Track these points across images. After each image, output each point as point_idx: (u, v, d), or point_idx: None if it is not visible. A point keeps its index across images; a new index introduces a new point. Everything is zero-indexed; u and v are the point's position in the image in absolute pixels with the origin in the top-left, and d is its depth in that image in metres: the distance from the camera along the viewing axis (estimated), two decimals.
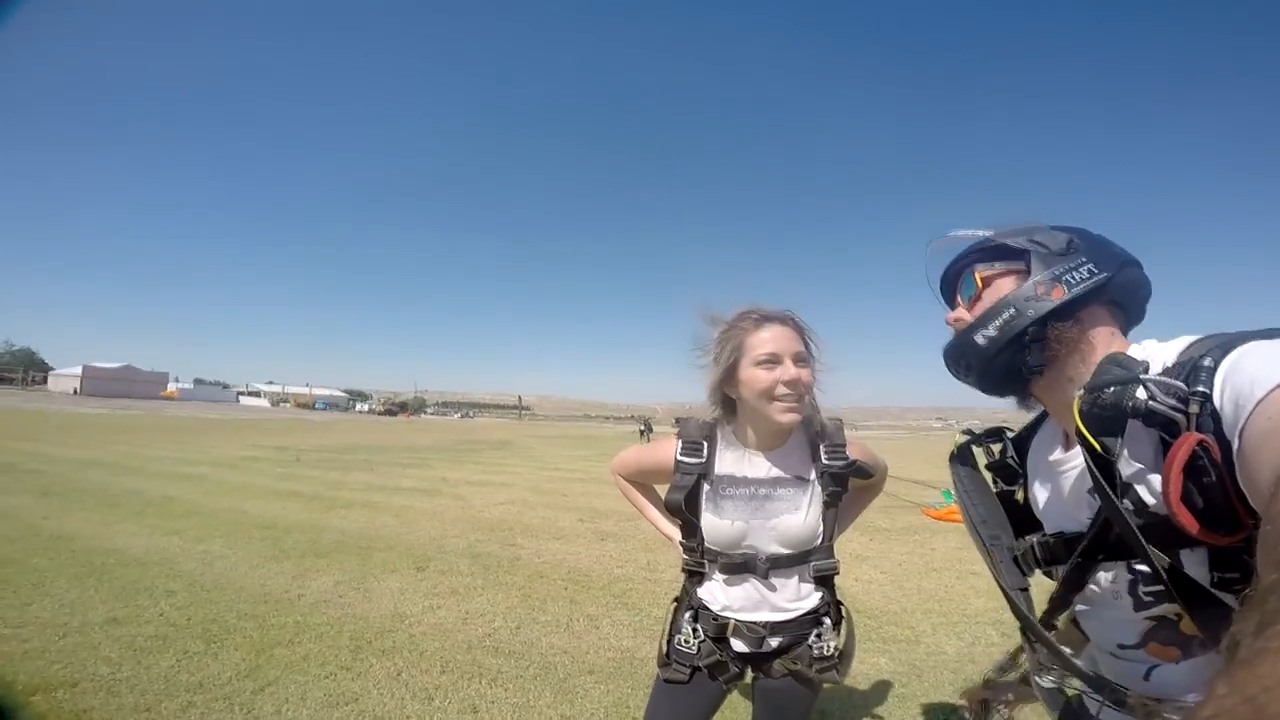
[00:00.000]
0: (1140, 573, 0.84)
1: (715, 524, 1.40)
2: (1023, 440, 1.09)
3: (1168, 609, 0.83)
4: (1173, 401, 0.73)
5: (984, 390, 0.99)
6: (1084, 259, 0.90)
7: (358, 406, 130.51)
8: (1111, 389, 0.79)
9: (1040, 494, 1.00)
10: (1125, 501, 0.78)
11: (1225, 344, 0.74)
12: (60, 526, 5.98)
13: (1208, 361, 0.73)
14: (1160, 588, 0.81)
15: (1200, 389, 0.71)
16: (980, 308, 0.96)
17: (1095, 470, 0.79)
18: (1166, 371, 0.78)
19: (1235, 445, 0.66)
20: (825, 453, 1.41)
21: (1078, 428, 0.82)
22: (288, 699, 2.74)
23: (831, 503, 1.41)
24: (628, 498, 1.75)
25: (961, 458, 1.12)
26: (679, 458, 1.44)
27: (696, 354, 1.46)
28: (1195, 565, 0.78)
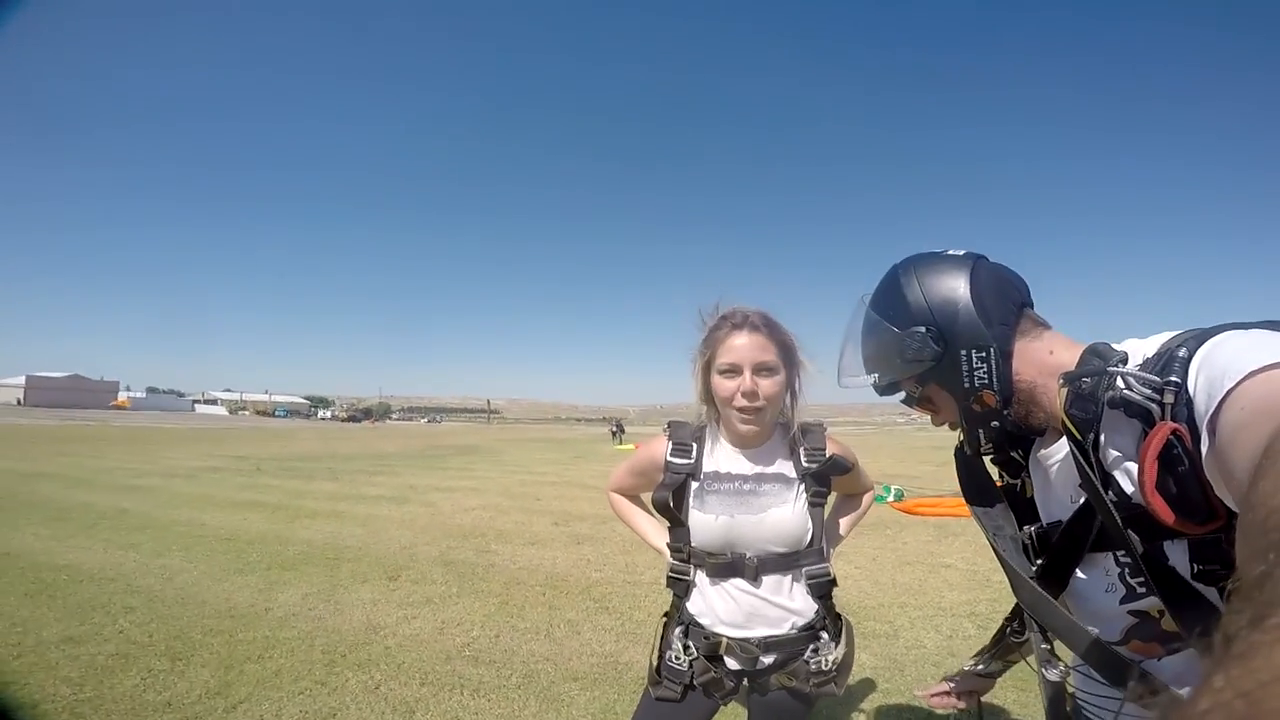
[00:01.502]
0: (1126, 564, 0.86)
1: (700, 519, 1.39)
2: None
3: (1150, 604, 0.85)
4: (1148, 392, 0.75)
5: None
6: (964, 353, 0.92)
7: (320, 413, 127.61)
8: (1089, 379, 0.81)
9: (1035, 486, 1.02)
10: (1109, 492, 0.81)
11: (1200, 335, 0.76)
12: (6, 542, 5.69)
13: (1182, 352, 0.75)
14: (1144, 578, 0.83)
15: (1174, 379, 0.73)
16: (947, 419, 1.01)
17: (1079, 457, 0.82)
18: (1146, 363, 0.80)
19: (1205, 434, 0.67)
20: (805, 455, 1.42)
21: (1060, 417, 0.85)
22: (261, 716, 2.64)
23: (817, 502, 1.41)
24: (618, 512, 1.71)
25: (965, 456, 1.12)
26: (669, 458, 1.45)
27: (690, 353, 1.47)
28: (1177, 555, 0.80)
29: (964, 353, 0.91)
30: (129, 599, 4.17)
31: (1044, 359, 0.91)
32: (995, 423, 0.94)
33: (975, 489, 1.09)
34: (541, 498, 9.81)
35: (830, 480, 1.44)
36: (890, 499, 9.17)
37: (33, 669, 3.01)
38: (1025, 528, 1.01)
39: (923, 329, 0.92)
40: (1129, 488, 0.78)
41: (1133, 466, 0.77)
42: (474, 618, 3.99)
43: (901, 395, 1.03)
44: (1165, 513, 0.70)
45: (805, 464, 1.41)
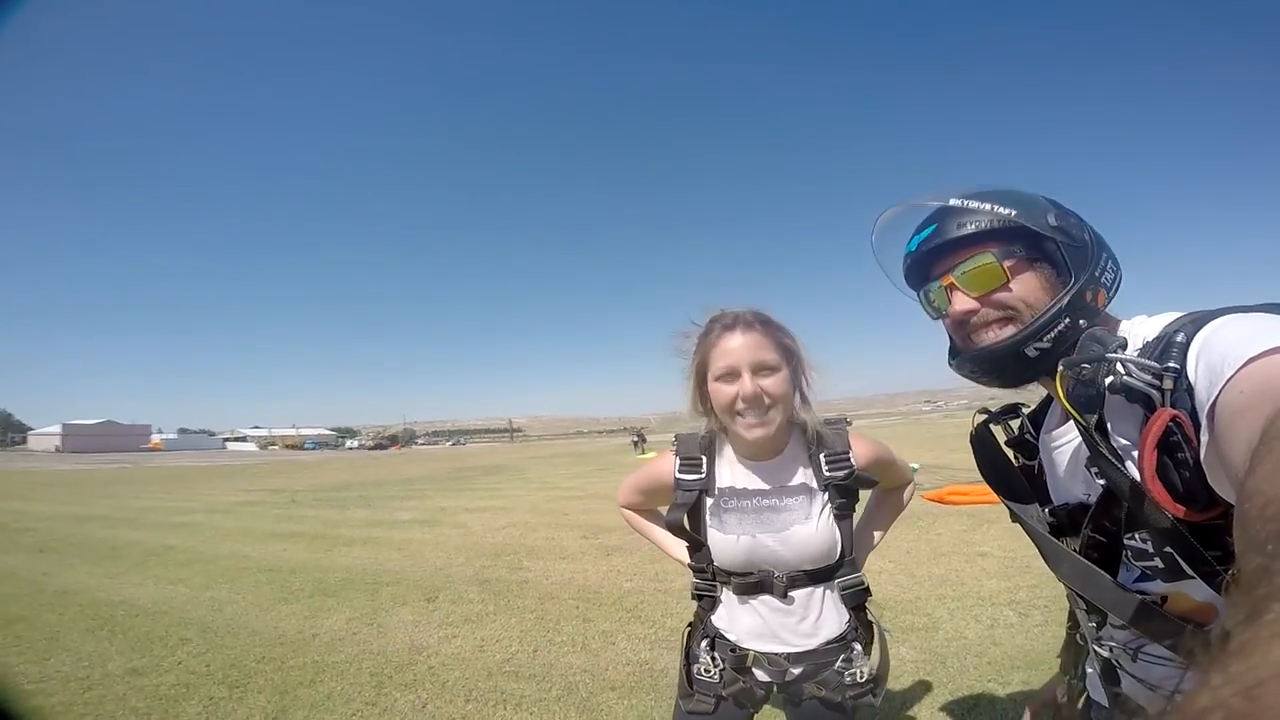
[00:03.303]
0: (1132, 546, 0.86)
1: (720, 540, 1.32)
2: (1038, 416, 1.09)
3: (1157, 589, 0.85)
4: (1148, 378, 0.74)
5: (1000, 387, 0.99)
6: (1104, 254, 0.91)
7: (347, 443, 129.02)
8: (1088, 365, 0.81)
9: (1047, 468, 1.03)
10: (1113, 474, 0.81)
11: (1199, 319, 0.76)
12: (63, 582, 5.91)
13: (1180, 337, 0.75)
14: (1150, 564, 0.85)
15: (1172, 364, 0.73)
16: (1010, 304, 0.91)
17: (1094, 439, 0.81)
18: (1146, 346, 0.80)
19: (1205, 422, 0.67)
20: (826, 463, 1.32)
21: (1062, 402, 0.86)
22: None
23: (844, 514, 1.32)
24: (634, 527, 1.66)
25: (980, 437, 1.11)
26: (678, 475, 1.38)
27: (679, 366, 1.39)
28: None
29: (1104, 255, 0.90)
30: (184, 631, 4.32)
31: (1114, 320, 0.92)
32: (1074, 323, 0.86)
33: (1001, 482, 1.07)
34: (569, 512, 9.88)
35: (855, 492, 1.35)
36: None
37: (103, 700, 3.17)
38: (1042, 509, 1.01)
39: (1079, 221, 0.91)
40: (1134, 473, 0.77)
41: (1137, 453, 0.76)
42: (511, 634, 4.06)
43: (970, 258, 0.92)
44: (1165, 499, 0.70)
45: (828, 473, 1.31)
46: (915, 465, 9.75)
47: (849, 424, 1.40)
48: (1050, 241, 0.89)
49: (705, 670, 1.37)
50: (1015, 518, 1.05)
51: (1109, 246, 0.93)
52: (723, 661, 1.36)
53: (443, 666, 3.55)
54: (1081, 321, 0.86)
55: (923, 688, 2.98)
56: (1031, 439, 1.07)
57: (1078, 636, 1.16)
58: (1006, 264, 0.90)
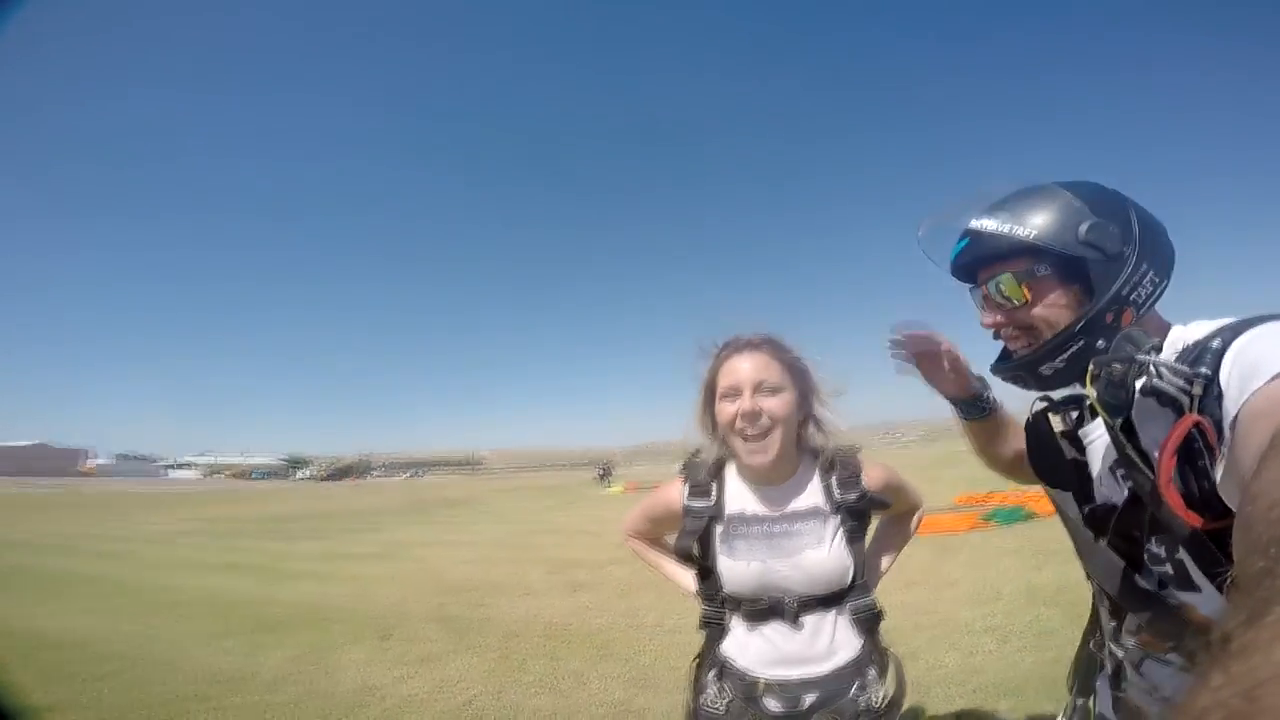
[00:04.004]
0: (1150, 552, 0.86)
1: (731, 566, 1.29)
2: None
3: (1171, 597, 0.84)
4: (1180, 382, 0.73)
5: (1037, 391, 1.00)
6: (1145, 266, 0.88)
7: (298, 473, 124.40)
8: (1120, 365, 0.80)
9: (1091, 465, 1.01)
10: (1137, 477, 0.79)
11: (1237, 326, 0.75)
12: None
13: (1216, 343, 0.74)
14: (1164, 570, 0.84)
15: (1204, 370, 0.72)
16: (1031, 322, 0.93)
17: (1121, 441, 0.80)
18: (1184, 351, 0.79)
19: (1229, 429, 0.67)
20: (838, 486, 1.31)
21: (1091, 401, 0.84)
22: None
23: (855, 538, 1.31)
24: (642, 558, 1.60)
25: (1036, 423, 1.08)
26: (686, 502, 1.35)
27: (648, 398, 1.42)
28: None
29: (1144, 266, 0.87)
30: (107, 665, 4.04)
31: (1161, 322, 0.91)
32: (1089, 345, 0.88)
33: (1049, 470, 1.04)
34: (534, 546, 9.59)
35: (867, 515, 1.34)
36: None
37: None
38: (1085, 506, 0.98)
39: (1120, 229, 0.87)
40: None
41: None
42: (473, 674, 3.83)
43: (991, 276, 0.95)
44: (1179, 507, 0.69)
45: (839, 496, 1.30)
46: None
47: (859, 449, 1.38)
48: (1080, 259, 0.88)
49: (712, 702, 1.30)
50: (1056, 509, 1.04)
51: (1161, 251, 0.90)
52: (731, 692, 1.29)
53: (398, 709, 3.30)
54: (1100, 343, 0.87)
55: (911, 719, 2.87)
56: (1080, 429, 1.04)
57: (1092, 644, 1.11)
58: (1027, 283, 0.92)
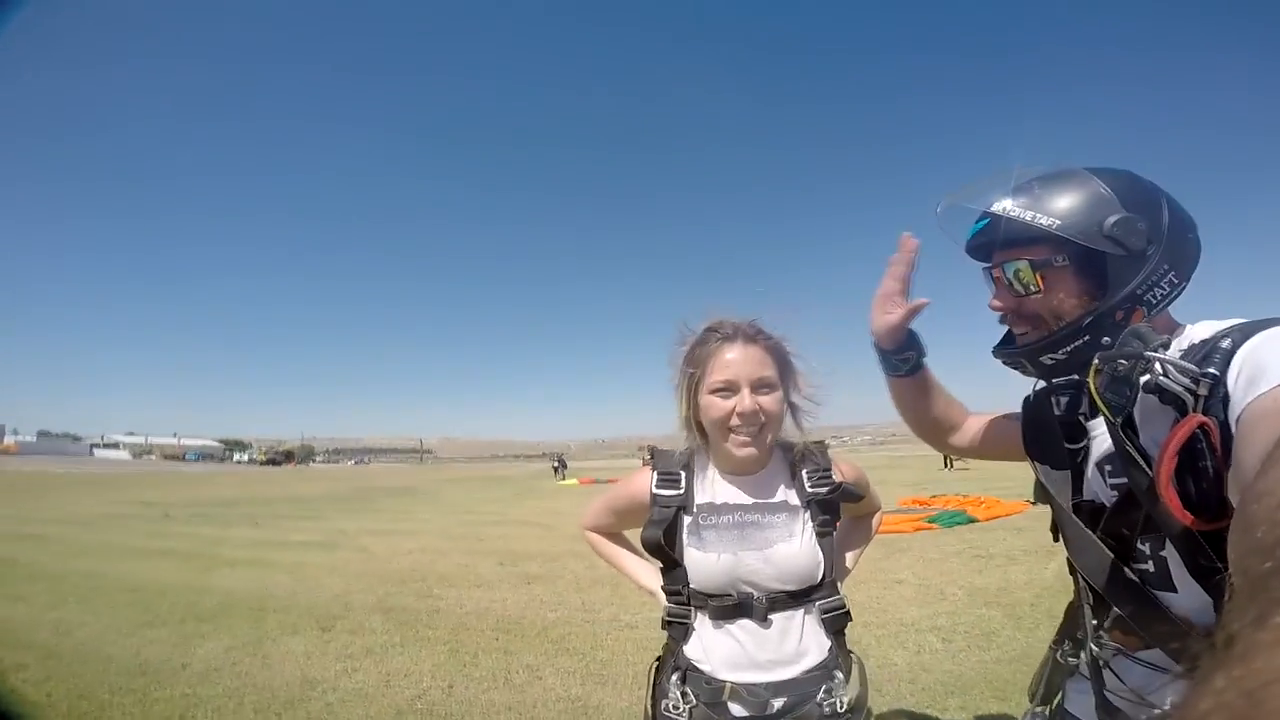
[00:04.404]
0: (1137, 550, 0.86)
1: (699, 559, 1.24)
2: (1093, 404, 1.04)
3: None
4: (1186, 381, 0.72)
5: (1036, 378, 1.01)
6: (1166, 267, 0.86)
7: (236, 457, 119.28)
8: (1125, 361, 0.79)
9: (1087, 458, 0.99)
10: (1135, 475, 0.79)
11: (1247, 327, 0.74)
12: None
13: (1226, 343, 0.73)
14: (1145, 568, 0.85)
15: (1211, 370, 0.71)
16: (1040, 310, 0.92)
17: (1121, 437, 0.79)
18: (1190, 350, 0.78)
19: (1234, 429, 0.66)
20: (809, 479, 1.29)
21: (1092, 396, 0.83)
22: None
23: (825, 532, 1.28)
24: (600, 553, 1.52)
25: (1035, 402, 1.08)
26: (655, 490, 1.30)
27: (669, 372, 1.35)
28: (1172, 549, 0.80)
29: (1165, 266, 0.85)
30: (20, 655, 3.76)
31: (1170, 321, 0.91)
32: (1093, 341, 0.87)
33: (1043, 450, 1.03)
34: (485, 538, 9.39)
35: (839, 509, 1.32)
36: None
37: None
38: (1073, 499, 0.97)
39: (1148, 224, 0.85)
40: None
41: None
42: (422, 668, 3.69)
43: (1007, 260, 0.93)
44: (1177, 508, 0.69)
45: (810, 489, 1.28)
46: None
47: (828, 445, 1.37)
48: (1100, 252, 0.86)
49: (674, 707, 1.23)
50: (1047, 499, 1.02)
51: (1186, 250, 0.89)
52: (695, 698, 1.23)
53: (341, 703, 3.16)
54: (1105, 339, 0.86)
55: (861, 717, 2.90)
56: (1084, 420, 1.01)
57: (1059, 652, 1.08)
58: (1042, 273, 0.90)
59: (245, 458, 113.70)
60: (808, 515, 1.27)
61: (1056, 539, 1.07)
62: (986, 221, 0.95)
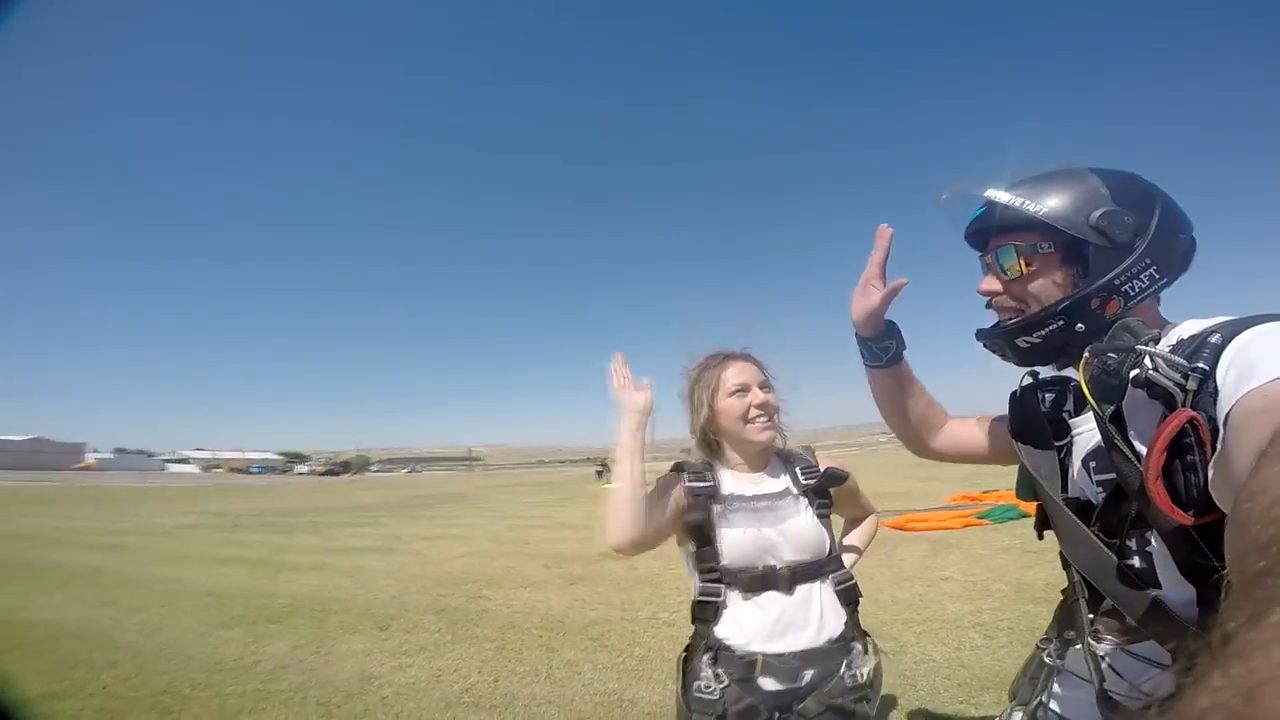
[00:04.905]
0: (1124, 547, 0.86)
1: (732, 535, 1.41)
2: (1079, 401, 1.04)
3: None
4: (1175, 376, 0.72)
5: (1015, 365, 1.02)
6: (1147, 261, 0.87)
7: (296, 469, 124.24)
8: (1115, 355, 0.79)
9: (1072, 455, 1.00)
10: (1125, 470, 0.79)
11: (1238, 323, 0.74)
12: None
13: (1215, 339, 0.72)
14: (1130, 564, 0.85)
15: (1201, 365, 0.71)
16: (1022, 295, 0.95)
17: (1109, 430, 0.80)
18: (1179, 345, 0.77)
19: (1222, 425, 0.65)
20: (801, 473, 1.53)
21: (1082, 389, 0.84)
22: None
23: (823, 514, 1.49)
24: (621, 478, 1.42)
25: (1023, 396, 1.09)
26: (689, 484, 1.46)
27: (681, 403, 1.59)
28: (1158, 544, 0.81)
29: (1147, 260, 0.87)
30: (110, 654, 4.07)
31: (1158, 317, 0.92)
32: (1068, 327, 0.89)
33: (1028, 428, 1.05)
34: (531, 541, 9.63)
35: (829, 493, 1.52)
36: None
37: None
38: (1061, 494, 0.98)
39: (1136, 220, 0.87)
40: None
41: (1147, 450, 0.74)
42: (470, 664, 3.88)
43: (999, 246, 0.96)
44: (1165, 503, 0.69)
45: (804, 480, 1.51)
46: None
47: (812, 449, 1.64)
48: (1085, 241, 0.88)
49: (706, 687, 1.33)
50: (1034, 495, 1.03)
51: (1174, 249, 0.90)
52: (727, 676, 1.33)
53: (396, 697, 3.35)
54: (1079, 326, 0.88)
55: (896, 711, 2.94)
56: (1068, 417, 1.04)
57: (1046, 653, 1.09)
58: (1028, 258, 0.93)
59: (305, 469, 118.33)
60: (806, 500, 1.50)
61: (1040, 536, 1.08)
62: (983, 210, 0.99)
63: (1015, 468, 1.13)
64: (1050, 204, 0.90)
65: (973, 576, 5.35)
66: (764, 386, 1.52)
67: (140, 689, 3.43)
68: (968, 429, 1.28)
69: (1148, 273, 0.88)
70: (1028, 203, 0.90)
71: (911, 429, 1.30)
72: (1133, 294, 0.88)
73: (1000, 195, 0.93)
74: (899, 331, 1.24)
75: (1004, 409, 1.16)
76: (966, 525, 7.98)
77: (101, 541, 10.15)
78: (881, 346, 1.23)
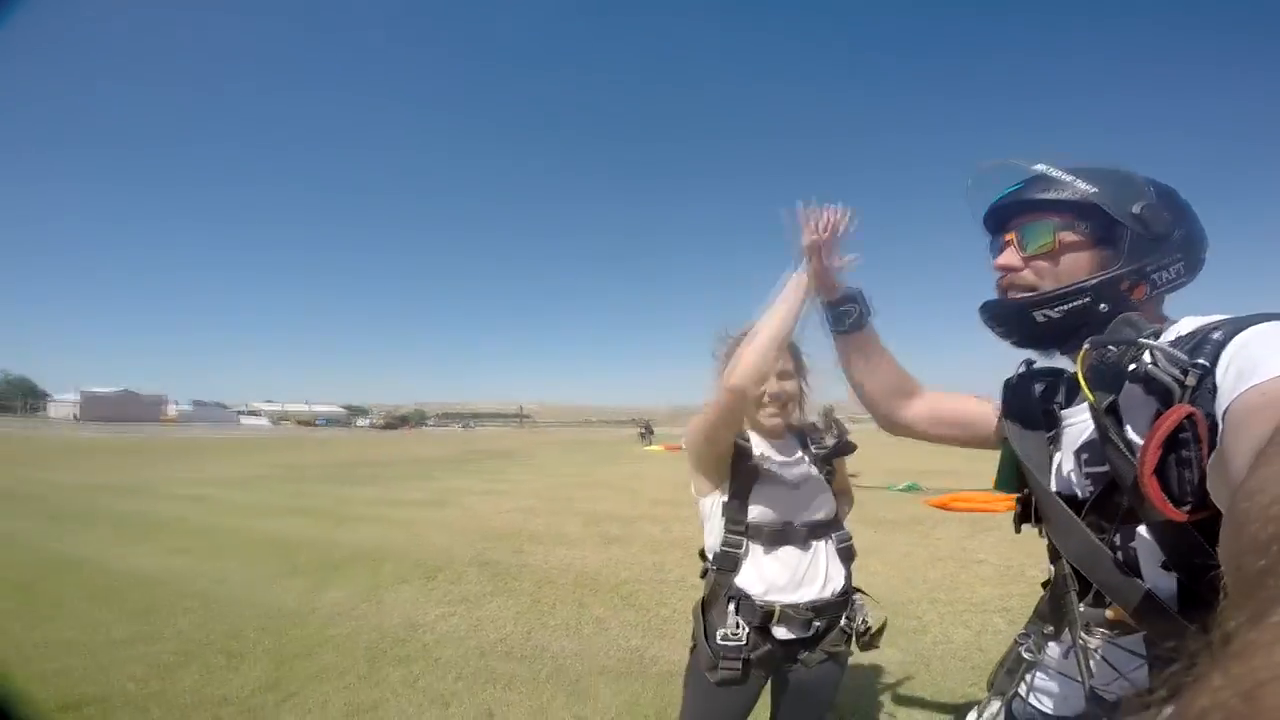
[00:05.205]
0: (1111, 539, 0.85)
1: (761, 491, 1.54)
2: (1070, 393, 1.02)
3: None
4: (1175, 371, 0.72)
5: (1012, 345, 1.00)
6: (1178, 255, 0.89)
7: (358, 422, 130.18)
8: (1115, 348, 0.79)
9: (1061, 448, 0.99)
10: (1119, 464, 0.79)
11: (1240, 321, 0.73)
12: (71, 550, 6.06)
13: (1217, 335, 0.72)
14: (1114, 557, 0.84)
15: (1201, 361, 0.70)
16: (1046, 272, 0.93)
17: (1104, 423, 0.80)
18: (1179, 340, 0.77)
19: (1221, 422, 0.65)
20: (814, 445, 1.68)
21: (1078, 380, 0.84)
22: (310, 709, 2.82)
23: (830, 480, 1.65)
24: (773, 314, 1.34)
25: (1018, 384, 1.08)
26: (738, 441, 1.59)
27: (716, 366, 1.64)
28: (1146, 540, 0.80)
29: (1177, 254, 0.89)
30: (186, 601, 4.42)
31: (1159, 314, 0.92)
32: (1093, 304, 0.88)
33: (1020, 410, 1.04)
34: (573, 499, 9.97)
35: (834, 463, 1.68)
36: (901, 487, 10.01)
37: (102, 666, 3.25)
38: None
39: (1173, 219, 0.89)
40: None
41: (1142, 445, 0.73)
42: (507, 615, 4.13)
43: (1035, 220, 0.95)
44: (1159, 500, 0.68)
45: (815, 450, 1.67)
46: (908, 483, 10.40)
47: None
48: (1123, 228, 0.89)
49: (731, 633, 1.45)
50: (1019, 485, 1.04)
51: (1197, 254, 0.92)
52: (746, 624, 1.46)
53: (436, 644, 3.62)
54: (1103, 306, 0.87)
55: (906, 689, 3.00)
56: (1058, 409, 1.02)
57: (1023, 648, 1.08)
58: (1063, 235, 0.92)
59: (366, 422, 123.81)
60: (816, 468, 1.65)
61: (1019, 530, 1.09)
62: (1024, 184, 0.97)
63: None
64: (1099, 186, 0.90)
65: (1008, 560, 5.29)
66: (783, 375, 1.57)
67: (212, 633, 3.76)
68: (951, 400, 1.26)
69: (1175, 266, 0.89)
70: (1079, 180, 0.91)
71: (879, 399, 1.28)
72: (1159, 284, 0.89)
73: (1053, 171, 0.93)
74: (863, 297, 1.26)
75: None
76: (1009, 508, 7.73)
77: (183, 492, 10.84)
78: (843, 310, 1.26)
